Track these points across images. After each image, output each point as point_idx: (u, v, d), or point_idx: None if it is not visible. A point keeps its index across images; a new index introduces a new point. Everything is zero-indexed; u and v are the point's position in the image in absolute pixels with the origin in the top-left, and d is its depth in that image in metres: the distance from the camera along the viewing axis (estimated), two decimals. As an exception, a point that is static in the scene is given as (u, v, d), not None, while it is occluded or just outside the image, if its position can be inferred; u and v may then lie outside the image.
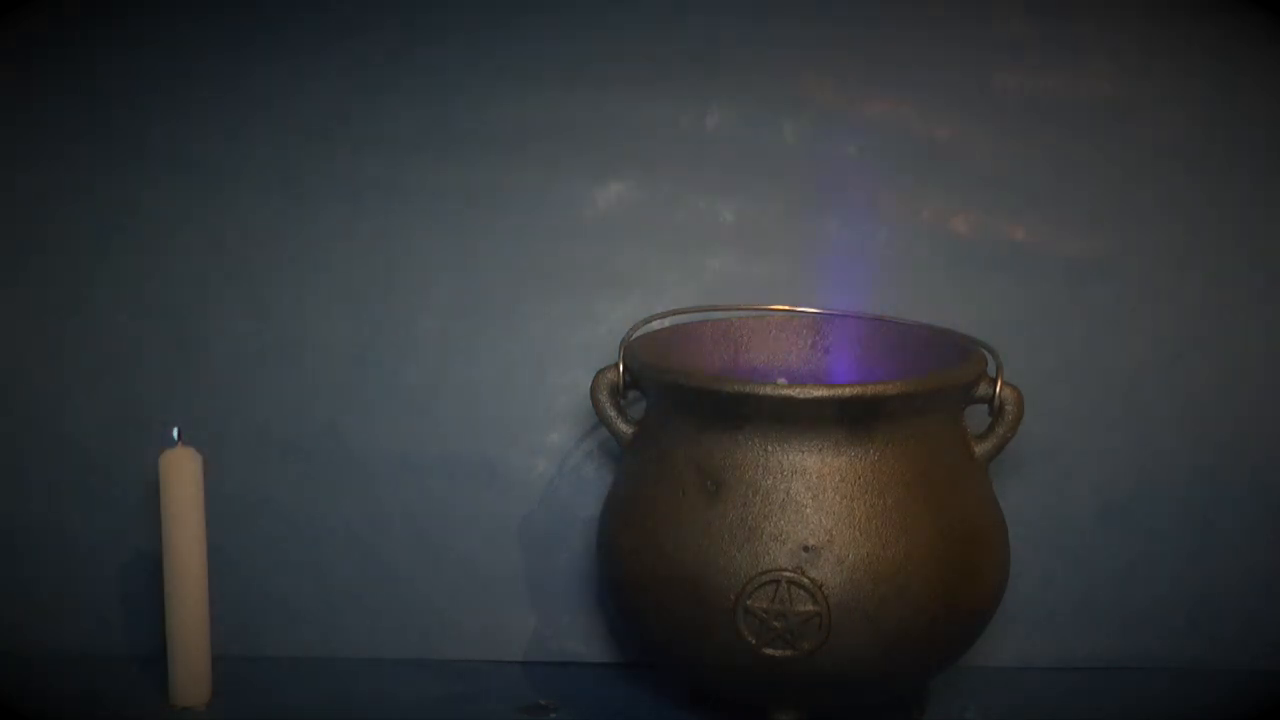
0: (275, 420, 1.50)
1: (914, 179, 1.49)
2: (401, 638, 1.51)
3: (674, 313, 1.42)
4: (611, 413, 1.36)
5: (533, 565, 1.50)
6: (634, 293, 1.49)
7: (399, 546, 1.50)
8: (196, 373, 1.50)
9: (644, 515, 1.30)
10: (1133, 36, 1.47)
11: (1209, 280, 1.48)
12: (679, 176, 1.49)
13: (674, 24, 1.48)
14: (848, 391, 1.25)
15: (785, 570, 1.25)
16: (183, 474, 1.37)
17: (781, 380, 1.40)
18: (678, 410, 1.30)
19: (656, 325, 1.40)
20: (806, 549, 1.25)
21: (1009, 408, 1.31)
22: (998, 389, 1.31)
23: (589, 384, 1.36)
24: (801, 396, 1.24)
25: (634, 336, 1.37)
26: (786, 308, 1.44)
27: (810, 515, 1.25)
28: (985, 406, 1.32)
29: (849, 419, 1.25)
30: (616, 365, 1.35)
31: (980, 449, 1.32)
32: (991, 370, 1.32)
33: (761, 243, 1.49)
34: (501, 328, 1.50)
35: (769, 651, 1.25)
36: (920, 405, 1.27)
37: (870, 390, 1.25)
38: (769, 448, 1.26)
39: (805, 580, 1.24)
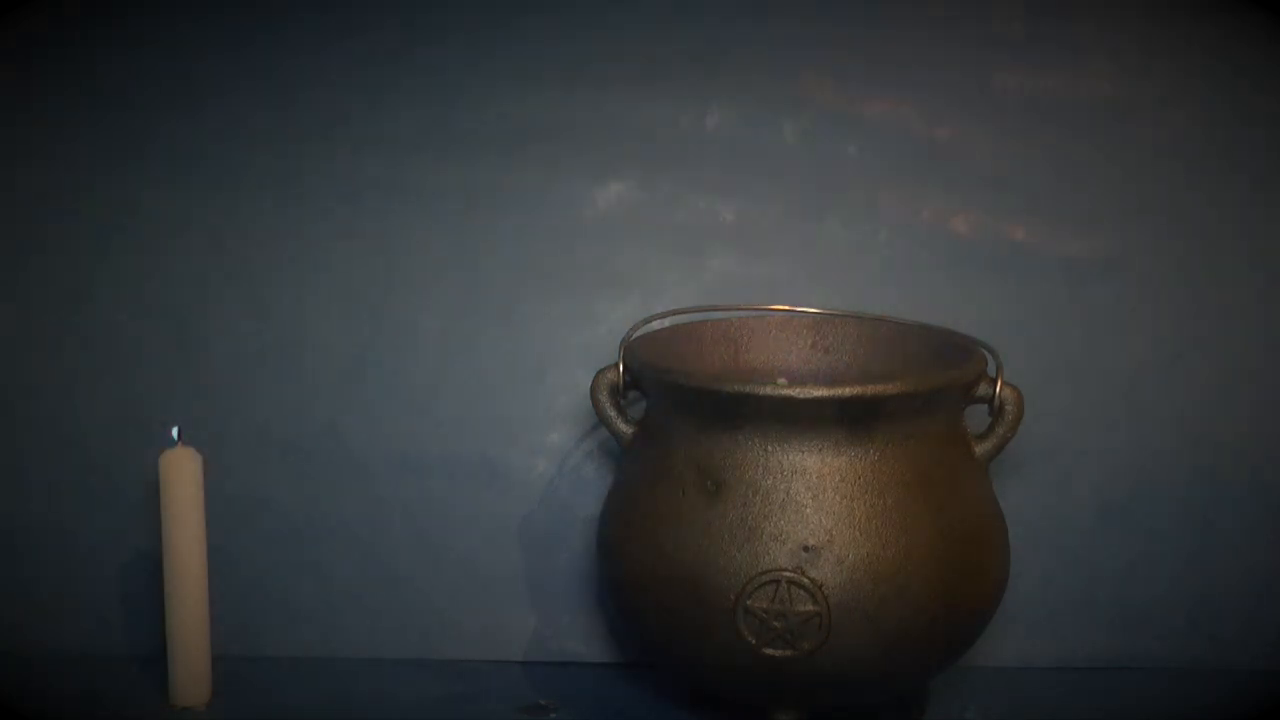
0: (275, 420, 1.50)
1: (914, 179, 1.49)
2: (401, 638, 1.51)
3: (674, 313, 1.42)
4: (611, 413, 1.36)
5: (533, 565, 1.50)
6: (634, 293, 1.49)
7: (399, 546, 1.50)
8: (196, 373, 1.50)
9: (644, 515, 1.30)
10: (1133, 36, 1.47)
11: (1209, 280, 1.48)
12: (679, 176, 1.49)
13: (674, 24, 1.48)
14: (848, 391, 1.25)
15: (785, 570, 1.25)
16: (183, 474, 1.37)
17: (781, 380, 1.40)
18: (678, 410, 1.30)
19: (656, 325, 1.40)
20: (806, 549, 1.25)
21: (1009, 408, 1.31)
22: (998, 389, 1.31)
23: (589, 384, 1.36)
24: (801, 396, 1.24)
25: (634, 336, 1.37)
26: (786, 308, 1.44)
27: (810, 515, 1.25)
28: (985, 406, 1.32)
29: (849, 419, 1.25)
30: (616, 365, 1.35)
31: (980, 449, 1.32)
32: (991, 370, 1.32)
33: (761, 243, 1.49)
34: (501, 328, 1.50)
35: (769, 651, 1.25)
36: (920, 405, 1.27)
37: (870, 390, 1.25)
38: (769, 448, 1.26)
39: (805, 580, 1.24)
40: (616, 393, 1.35)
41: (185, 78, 1.48)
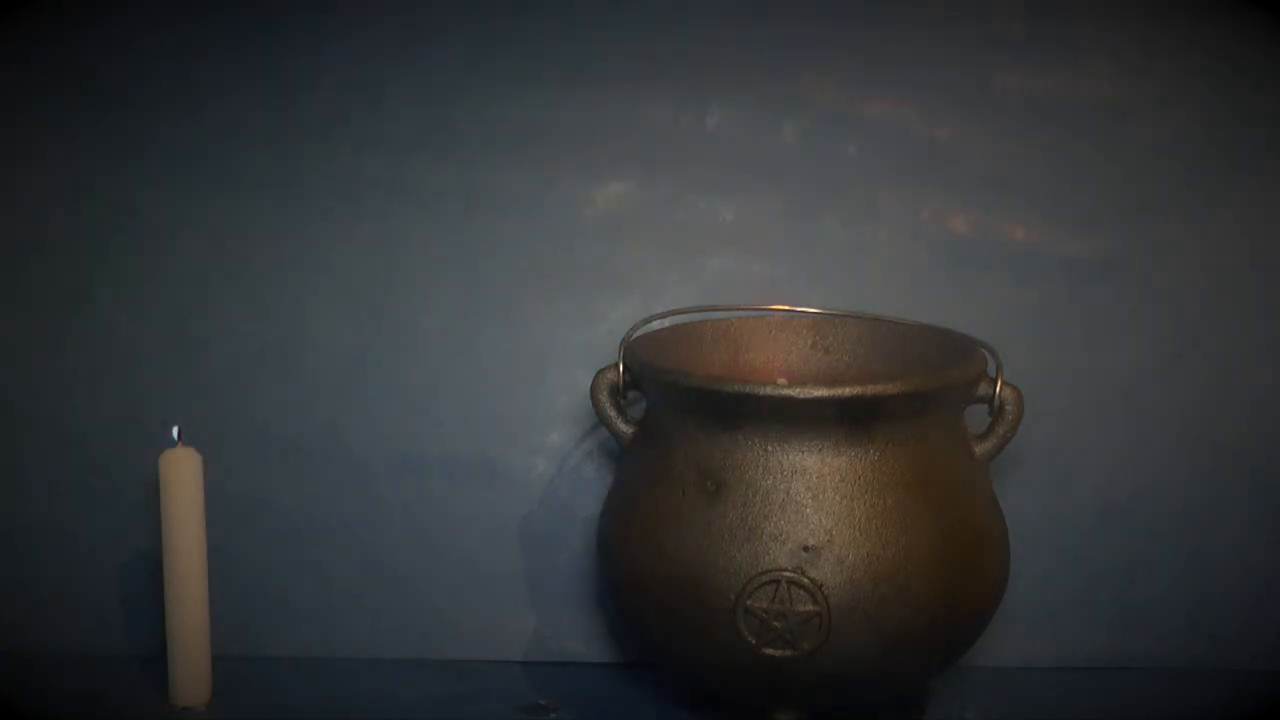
0: (275, 420, 1.50)
1: (914, 179, 1.49)
2: (401, 638, 1.51)
3: (674, 313, 1.42)
4: (611, 413, 1.36)
5: (533, 565, 1.50)
6: (634, 293, 1.49)
7: (399, 546, 1.50)
8: (196, 373, 1.50)
9: (644, 515, 1.30)
10: (1133, 36, 1.47)
11: (1209, 280, 1.48)
12: (679, 176, 1.49)
13: (674, 24, 1.48)
14: (848, 391, 1.25)
15: (785, 570, 1.25)
16: (183, 474, 1.37)
17: (781, 380, 1.40)
18: (678, 410, 1.30)
19: (656, 325, 1.40)
20: (806, 549, 1.25)
21: (1009, 408, 1.31)
22: (998, 389, 1.31)
23: (589, 384, 1.36)
24: (801, 396, 1.24)
25: (634, 336, 1.37)
26: (786, 308, 1.44)
27: (810, 515, 1.25)
28: (985, 406, 1.32)
29: (849, 419, 1.25)
30: (616, 365, 1.35)
31: (980, 449, 1.32)
32: (991, 370, 1.32)
33: (761, 243, 1.49)
34: (501, 328, 1.50)
35: (769, 651, 1.25)
36: (920, 405, 1.27)
37: (870, 390, 1.25)
38: (769, 448, 1.26)
39: (805, 580, 1.24)
40: (616, 393, 1.35)
41: (185, 78, 1.48)
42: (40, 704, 1.41)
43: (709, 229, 1.49)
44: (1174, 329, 1.48)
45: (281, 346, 1.50)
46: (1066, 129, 1.48)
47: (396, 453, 1.50)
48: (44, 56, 1.48)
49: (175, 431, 1.38)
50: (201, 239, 1.50)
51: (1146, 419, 1.48)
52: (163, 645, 1.41)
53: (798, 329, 1.44)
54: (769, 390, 1.25)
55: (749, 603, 1.25)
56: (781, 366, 1.44)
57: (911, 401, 1.26)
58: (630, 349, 1.35)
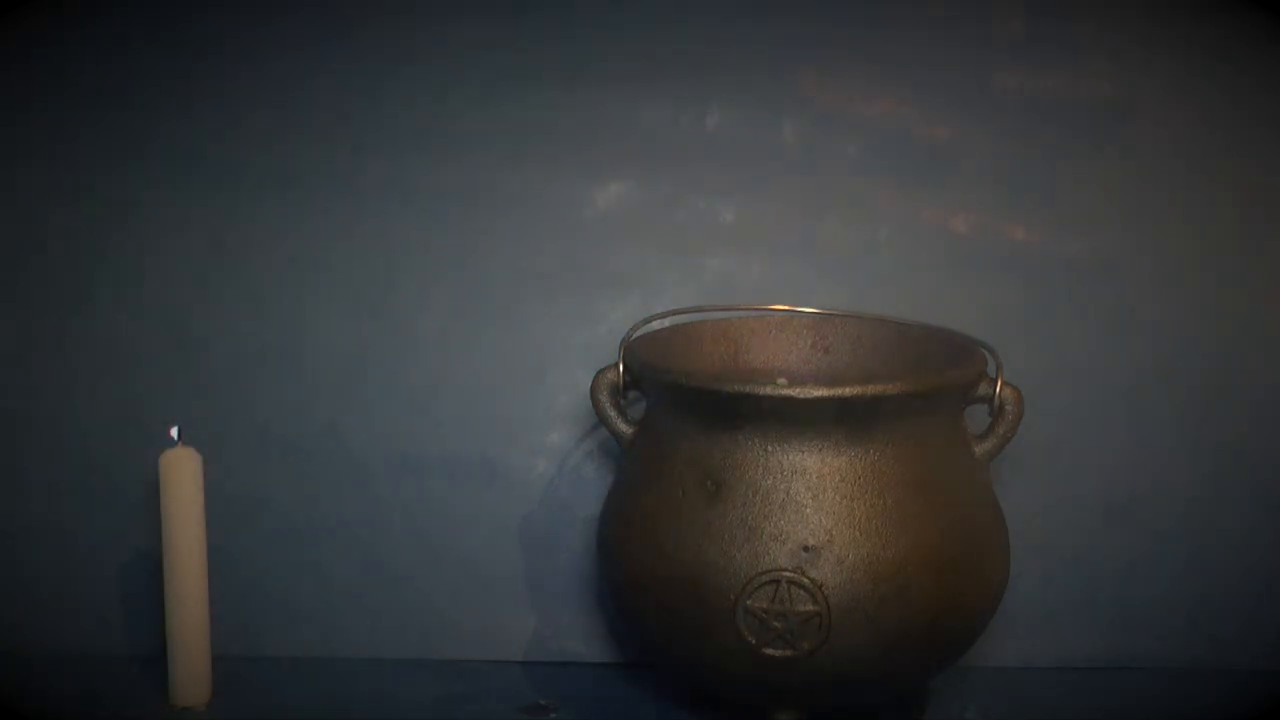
0: (275, 420, 1.50)
1: (914, 179, 1.49)
2: (401, 638, 1.51)
3: (674, 313, 1.42)
4: (611, 413, 1.36)
5: (533, 565, 1.50)
6: (634, 293, 1.49)
7: (399, 546, 1.50)
8: (196, 373, 1.50)
9: (644, 515, 1.30)
10: (1133, 36, 1.47)
11: (1209, 280, 1.48)
12: (679, 176, 1.49)
13: (674, 24, 1.48)
14: (848, 391, 1.25)
15: (785, 570, 1.25)
16: (183, 474, 1.37)
17: (781, 380, 1.40)
18: (678, 410, 1.30)
19: (656, 325, 1.40)
20: (806, 549, 1.25)
21: (1009, 408, 1.31)
22: (998, 389, 1.31)
23: (589, 384, 1.36)
24: (801, 396, 1.24)
25: (634, 336, 1.37)
26: (786, 308, 1.44)
27: (810, 515, 1.25)
28: (985, 406, 1.32)
29: (849, 419, 1.25)
30: (616, 365, 1.35)
31: (980, 449, 1.32)
32: (991, 370, 1.32)
33: (761, 243, 1.49)
34: (501, 328, 1.50)
35: (769, 651, 1.25)
36: (920, 405, 1.27)
37: (870, 390, 1.25)
38: (769, 448, 1.26)
39: (805, 580, 1.24)
40: (616, 393, 1.35)
41: (185, 78, 1.48)
42: (40, 704, 1.41)
43: (709, 229, 1.49)
44: (1174, 329, 1.48)
45: (281, 346, 1.50)
46: (1066, 129, 1.48)
47: (396, 453, 1.50)
48: (44, 56, 1.48)
49: (175, 431, 1.38)
50: (201, 239, 1.50)
51: (1146, 419, 1.48)
52: (163, 645, 1.41)
53: (798, 329, 1.44)
54: (769, 390, 1.25)
55: (749, 603, 1.25)
56: (781, 366, 1.44)
57: (911, 401, 1.26)
58: (630, 349, 1.35)
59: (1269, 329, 1.48)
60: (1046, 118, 1.48)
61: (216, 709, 1.41)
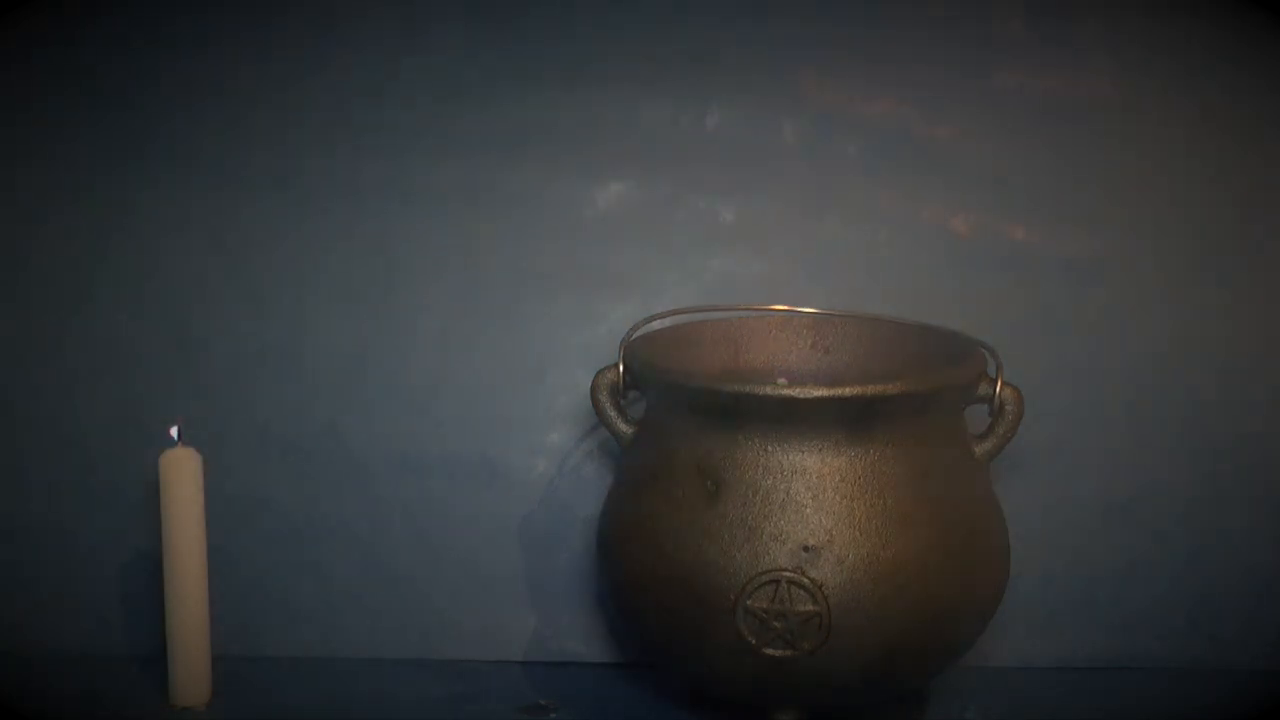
0: (275, 420, 1.50)
1: (914, 179, 1.49)
2: (401, 638, 1.51)
3: (674, 313, 1.42)
4: (611, 413, 1.36)
5: (533, 565, 1.50)
6: (634, 293, 1.49)
7: (399, 546, 1.50)
8: (196, 373, 1.50)
9: (644, 515, 1.30)
10: (1133, 36, 1.47)
11: (1209, 280, 1.48)
12: (679, 176, 1.49)
13: (674, 24, 1.48)
14: (848, 391, 1.25)
15: (785, 570, 1.25)
16: (183, 474, 1.37)
17: (781, 380, 1.40)
18: (678, 410, 1.30)
19: (656, 325, 1.40)
20: (806, 549, 1.25)
21: (1009, 408, 1.31)
22: (998, 389, 1.31)
23: (589, 384, 1.36)
24: (801, 396, 1.24)
25: (634, 336, 1.37)
26: (786, 308, 1.44)
27: (810, 515, 1.25)
28: (985, 406, 1.32)
29: (849, 419, 1.25)
30: (616, 365, 1.35)
31: (980, 449, 1.32)
32: (991, 370, 1.32)
33: (761, 243, 1.49)
34: (501, 328, 1.50)
35: (769, 651, 1.25)
36: (920, 405, 1.27)
37: (870, 390, 1.25)
38: (769, 448, 1.26)
39: (805, 580, 1.24)
40: (616, 393, 1.35)
41: (185, 78, 1.48)
42: (40, 704, 1.41)
43: (709, 229, 1.49)
44: (1174, 329, 1.48)
45: (281, 346, 1.50)
46: (1066, 129, 1.48)
47: (396, 453, 1.50)
48: (44, 56, 1.48)
49: (175, 431, 1.38)
50: (201, 239, 1.50)
51: (1146, 419, 1.48)
52: (163, 645, 1.41)
53: (798, 329, 1.44)
54: (769, 390, 1.25)
55: (749, 603, 1.25)
56: (781, 366, 1.44)
57: (911, 401, 1.26)
58: (630, 349, 1.35)
59: (1269, 329, 1.48)
60: (1046, 118, 1.48)
61: (216, 709, 1.41)
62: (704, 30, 1.48)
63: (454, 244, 1.49)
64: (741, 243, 1.49)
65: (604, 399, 1.35)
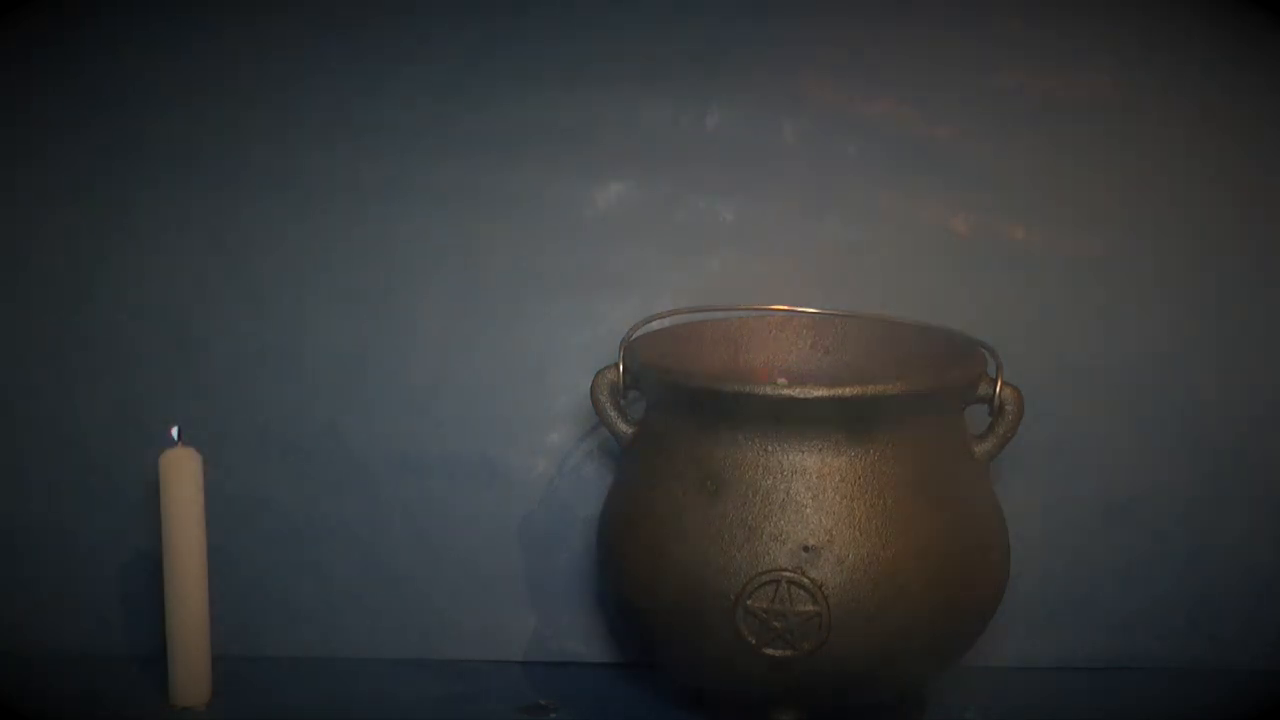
0: (275, 420, 1.50)
1: (914, 179, 1.49)
2: (401, 638, 1.51)
3: (674, 313, 1.42)
4: (611, 413, 1.36)
5: (533, 565, 1.50)
6: (634, 293, 1.49)
7: (399, 546, 1.50)
8: (196, 373, 1.50)
9: (644, 515, 1.30)
10: (1133, 36, 1.47)
11: (1209, 280, 1.48)
12: (679, 176, 1.49)
13: (674, 24, 1.48)
14: (848, 391, 1.25)
15: (785, 570, 1.25)
16: (183, 474, 1.37)
17: (781, 380, 1.40)
18: (678, 410, 1.30)
19: (656, 325, 1.40)
20: (806, 549, 1.25)
21: (1009, 408, 1.31)
22: (998, 389, 1.31)
23: (589, 384, 1.36)
24: (801, 396, 1.24)
25: (634, 336, 1.37)
26: (786, 308, 1.44)
27: (810, 515, 1.25)
28: (985, 406, 1.32)
29: (849, 419, 1.25)
30: (616, 365, 1.35)
31: (980, 449, 1.32)
32: (991, 370, 1.32)
33: (761, 243, 1.49)
34: (501, 328, 1.50)
35: (769, 651, 1.25)
36: (920, 405, 1.27)
37: (870, 390, 1.25)
38: (769, 448, 1.26)
39: (805, 580, 1.24)
40: (616, 393, 1.35)
41: (185, 78, 1.48)
42: (40, 704, 1.41)
43: (709, 229, 1.49)
44: (1174, 329, 1.48)
45: (281, 346, 1.50)
46: (1067, 129, 1.48)
47: (396, 453, 1.50)
48: (44, 56, 1.48)
49: (175, 431, 1.38)
50: (201, 239, 1.50)
51: (1146, 419, 1.48)
52: (163, 645, 1.41)
53: (798, 329, 1.44)
54: (769, 390, 1.25)
55: (749, 603, 1.25)
56: (781, 366, 1.44)
57: (911, 401, 1.26)
58: (630, 349, 1.35)
59: (1269, 329, 1.48)
60: (1046, 118, 1.48)
61: (216, 709, 1.41)
62: (704, 30, 1.48)
63: (454, 244, 1.49)
64: (741, 243, 1.49)
65: (604, 399, 1.35)
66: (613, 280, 1.49)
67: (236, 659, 1.47)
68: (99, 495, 1.49)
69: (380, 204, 1.49)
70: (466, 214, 1.49)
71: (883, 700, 1.35)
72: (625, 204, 1.49)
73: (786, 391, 1.25)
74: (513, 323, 1.50)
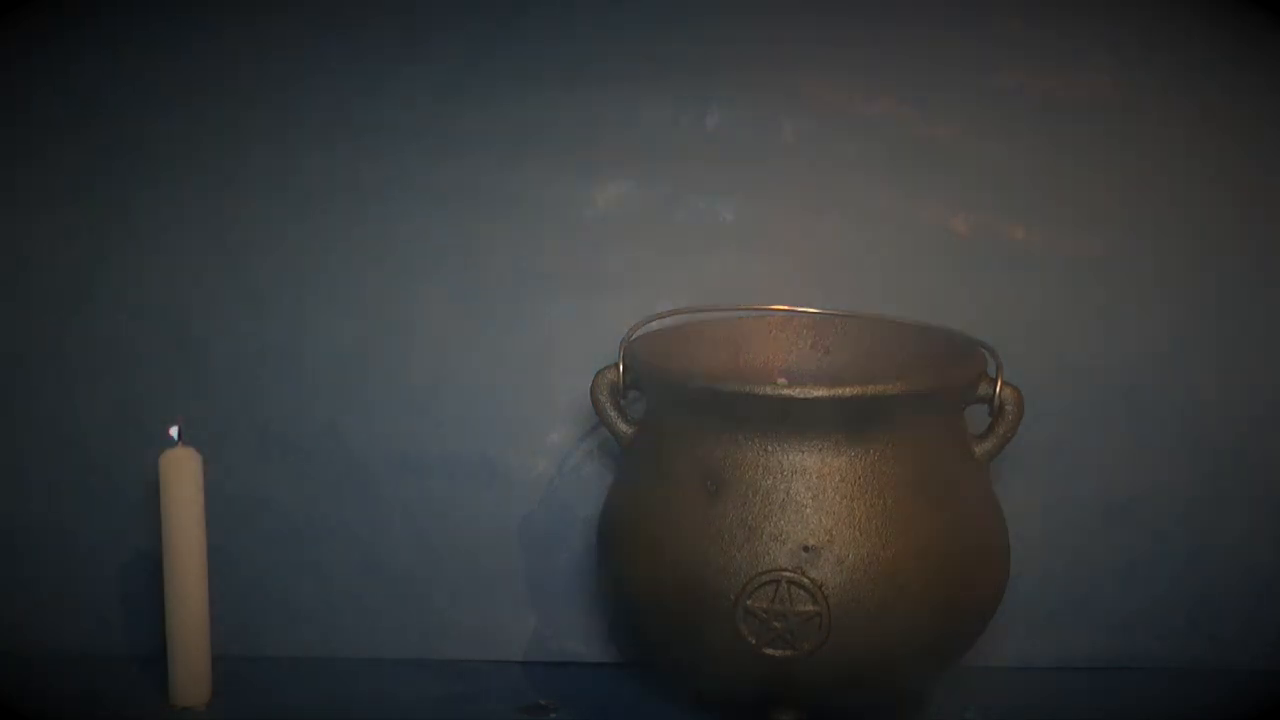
0: (275, 420, 1.50)
1: (914, 179, 1.49)
2: (401, 638, 1.51)
3: (674, 313, 1.42)
4: (611, 413, 1.36)
5: (533, 565, 1.50)
6: (634, 293, 1.49)
7: (399, 546, 1.50)
8: (196, 373, 1.50)
9: (644, 515, 1.30)
10: (1133, 36, 1.47)
11: (1209, 280, 1.48)
12: (679, 176, 1.49)
13: (674, 24, 1.48)
14: (848, 391, 1.25)
15: (785, 570, 1.25)
16: (183, 474, 1.37)
17: (781, 380, 1.40)
18: (678, 410, 1.30)
19: (656, 325, 1.40)
20: (806, 549, 1.25)
21: (1009, 408, 1.31)
22: (998, 389, 1.31)
23: (589, 384, 1.36)
24: (801, 396, 1.24)
25: (634, 336, 1.37)
26: (786, 308, 1.44)
27: (810, 515, 1.25)
28: (985, 406, 1.31)
29: (849, 419, 1.25)
30: (616, 365, 1.35)
31: (980, 449, 1.32)
32: (991, 370, 1.32)
33: (761, 243, 1.49)
34: (501, 328, 1.50)
35: (769, 651, 1.25)
36: (920, 405, 1.27)
37: (870, 390, 1.25)
38: (769, 448, 1.26)
39: (805, 580, 1.24)
40: (616, 393, 1.35)
41: (185, 77, 1.48)
42: (40, 704, 1.41)
43: (709, 229, 1.49)
44: (1174, 329, 1.48)
45: (281, 346, 1.50)
46: (1067, 128, 1.48)
47: (396, 453, 1.50)
48: (44, 57, 1.48)
49: (175, 431, 1.38)
50: (201, 239, 1.50)
51: (1146, 419, 1.48)
52: (163, 645, 1.41)
53: (798, 329, 1.44)
54: (769, 390, 1.25)
55: (749, 603, 1.25)
56: (781, 366, 1.44)
57: (911, 401, 1.26)
58: (630, 349, 1.35)
59: (1269, 329, 1.48)
60: (1046, 117, 1.48)
61: (216, 709, 1.41)
62: (704, 30, 1.48)
63: (454, 244, 1.49)
64: (741, 243, 1.49)
65: (604, 399, 1.35)
66: (613, 280, 1.49)
67: (236, 659, 1.47)
68: (99, 495, 1.49)
69: (380, 204, 1.49)
70: (466, 214, 1.49)
71: (883, 700, 1.35)
72: (625, 204, 1.49)
73: (786, 391, 1.25)
74: (513, 323, 1.50)
